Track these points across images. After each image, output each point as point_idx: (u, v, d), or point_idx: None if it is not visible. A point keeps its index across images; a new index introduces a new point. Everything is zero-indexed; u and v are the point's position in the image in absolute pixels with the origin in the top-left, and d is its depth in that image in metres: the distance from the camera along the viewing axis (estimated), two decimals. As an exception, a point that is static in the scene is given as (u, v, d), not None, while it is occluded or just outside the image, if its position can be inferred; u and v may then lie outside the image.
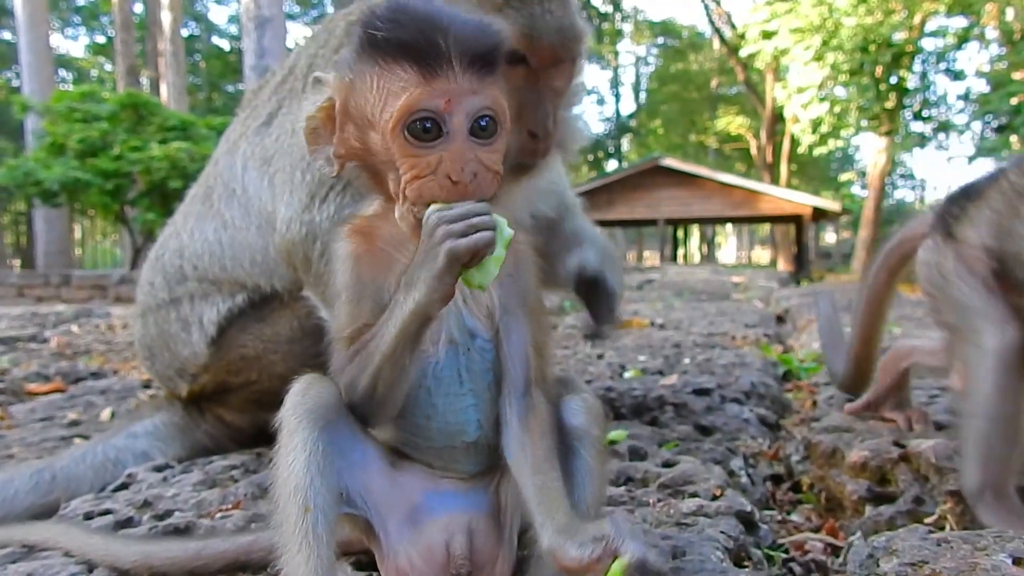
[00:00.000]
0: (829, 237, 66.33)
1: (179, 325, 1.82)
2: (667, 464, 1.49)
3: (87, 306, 8.03)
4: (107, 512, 1.37)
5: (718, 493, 1.33)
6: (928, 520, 1.32)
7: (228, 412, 1.82)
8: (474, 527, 0.94)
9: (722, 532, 1.16)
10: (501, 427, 0.95)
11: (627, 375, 2.58)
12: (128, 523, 1.33)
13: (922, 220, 1.56)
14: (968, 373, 1.31)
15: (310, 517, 0.84)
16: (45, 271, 18.96)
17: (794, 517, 1.54)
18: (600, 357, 2.93)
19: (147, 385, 3.18)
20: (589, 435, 0.96)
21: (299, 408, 0.90)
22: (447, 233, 0.85)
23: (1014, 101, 23.06)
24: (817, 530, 1.45)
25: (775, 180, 36.31)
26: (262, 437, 1.90)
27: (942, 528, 1.31)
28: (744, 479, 1.54)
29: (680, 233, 35.47)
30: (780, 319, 5.18)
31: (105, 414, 2.71)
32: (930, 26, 27.30)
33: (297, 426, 0.88)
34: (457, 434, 0.96)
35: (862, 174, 53.36)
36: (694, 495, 1.33)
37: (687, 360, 2.87)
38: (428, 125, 0.89)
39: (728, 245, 69.74)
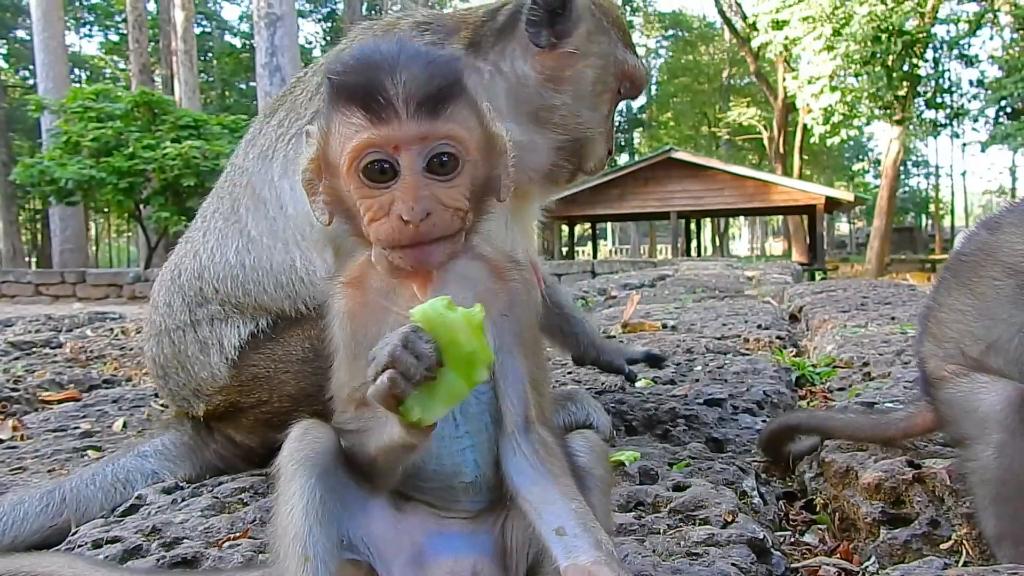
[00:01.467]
0: (843, 227, 65.98)
1: (197, 347, 1.79)
2: (678, 487, 1.48)
3: (101, 309, 8.08)
4: (116, 540, 1.37)
5: (730, 519, 1.32)
6: (944, 545, 1.30)
7: (238, 432, 1.81)
8: (479, 570, 0.93)
9: (733, 564, 1.14)
10: (504, 467, 0.94)
11: (638, 385, 2.56)
12: (136, 552, 1.33)
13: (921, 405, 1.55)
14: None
15: (310, 567, 0.83)
16: (61, 269, 19.15)
17: (807, 538, 1.52)
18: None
19: (158, 394, 3.20)
20: (593, 475, 0.94)
21: (296, 455, 0.89)
22: (374, 373, 0.81)
23: (1029, 86, 22.85)
24: (831, 553, 1.43)
25: (788, 171, 36.11)
26: (272, 457, 1.90)
27: (958, 553, 1.30)
28: (756, 499, 1.52)
29: (693, 226, 35.33)
30: (794, 318, 5.15)
31: (117, 425, 2.72)
32: (943, 12, 27.05)
33: (294, 473, 0.88)
34: (455, 475, 0.95)
35: (876, 163, 53.07)
36: (705, 521, 1.31)
37: (699, 368, 2.85)
38: (382, 167, 0.91)
39: (741, 237, 69.51)
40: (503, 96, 1.84)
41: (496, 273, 0.98)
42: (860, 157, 59.07)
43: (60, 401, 3.23)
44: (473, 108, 0.97)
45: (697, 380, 2.65)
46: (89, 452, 2.40)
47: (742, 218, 52.64)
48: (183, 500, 1.57)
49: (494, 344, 0.92)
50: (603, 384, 2.56)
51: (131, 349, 4.42)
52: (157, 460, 1.79)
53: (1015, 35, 26.66)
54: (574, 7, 1.86)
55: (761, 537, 1.25)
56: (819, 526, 1.56)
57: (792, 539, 1.52)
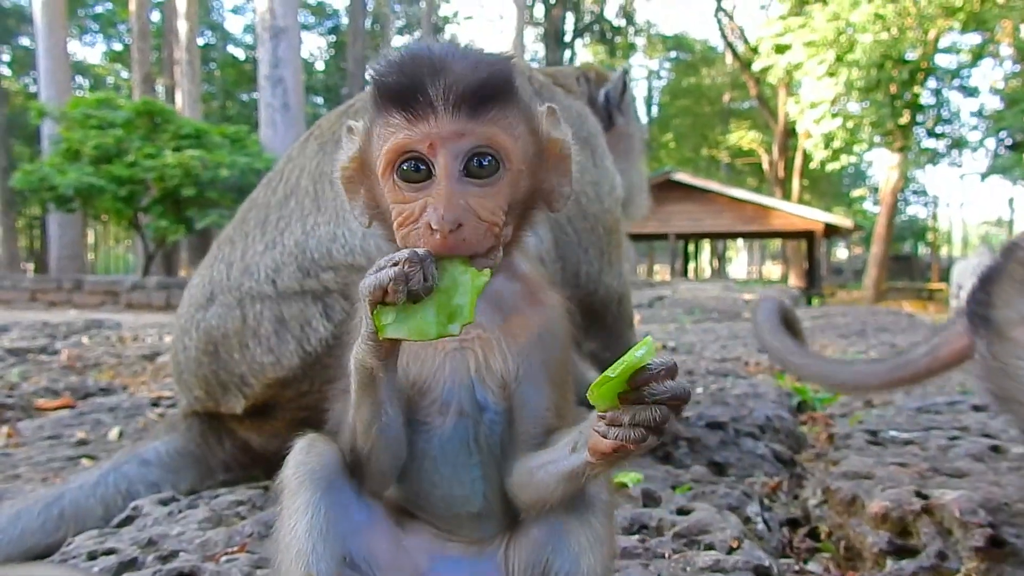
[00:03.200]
0: (841, 253, 66.09)
1: (273, 325, 1.67)
2: (681, 511, 1.46)
3: (98, 316, 8.05)
4: (111, 552, 1.35)
5: (735, 545, 1.30)
6: (952, 578, 1.28)
7: (261, 435, 1.74)
8: None
9: (740, 592, 1.12)
10: (509, 488, 0.92)
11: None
12: (132, 564, 1.31)
13: (953, 332, 1.52)
14: None
15: None
16: (58, 276, 19.08)
17: (812, 567, 1.50)
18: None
19: (156, 403, 3.17)
20: (599, 500, 0.91)
21: (301, 469, 0.87)
22: (380, 267, 0.81)
23: (1029, 118, 22.98)
24: (836, 582, 1.41)
25: (787, 195, 36.23)
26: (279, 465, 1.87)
27: (966, 586, 1.28)
28: (760, 525, 1.50)
29: (691, 247, 35.38)
30: (793, 342, 5.14)
31: (113, 433, 2.69)
32: (944, 43, 27.25)
33: (299, 488, 0.86)
34: (462, 504, 0.93)
35: (874, 190, 53.22)
36: (710, 547, 1.29)
37: (700, 390, 2.83)
38: (416, 166, 0.85)
39: (739, 260, 69.58)
40: None
41: (531, 297, 0.94)
42: (859, 184, 59.27)
43: (55, 408, 3.21)
44: (524, 113, 0.91)
45: (698, 402, 2.63)
46: (83, 460, 2.37)
47: (740, 241, 52.73)
48: (180, 512, 1.55)
49: (519, 370, 0.89)
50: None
51: (127, 357, 4.40)
52: (159, 471, 1.75)
53: (1016, 67, 26.84)
54: (630, 95, 2.40)
55: (767, 564, 1.24)
56: (823, 554, 1.54)
57: (796, 567, 1.50)
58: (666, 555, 1.27)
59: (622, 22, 52.28)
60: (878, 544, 1.39)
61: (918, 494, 1.44)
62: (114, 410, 3.03)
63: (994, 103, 28.73)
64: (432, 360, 0.92)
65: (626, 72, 2.42)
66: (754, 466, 2.03)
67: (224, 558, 1.30)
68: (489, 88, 0.86)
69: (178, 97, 24.91)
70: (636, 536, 1.35)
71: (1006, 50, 27.40)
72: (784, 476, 2.05)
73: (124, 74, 41.16)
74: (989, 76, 31.67)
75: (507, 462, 0.92)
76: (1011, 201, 56.15)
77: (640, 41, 55.08)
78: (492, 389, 0.91)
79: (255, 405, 1.71)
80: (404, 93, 0.85)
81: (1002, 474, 1.61)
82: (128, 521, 1.57)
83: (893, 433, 2.06)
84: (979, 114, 29.97)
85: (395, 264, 0.79)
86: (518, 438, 0.91)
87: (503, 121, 0.87)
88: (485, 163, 0.85)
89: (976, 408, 2.49)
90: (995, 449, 1.83)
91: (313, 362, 1.64)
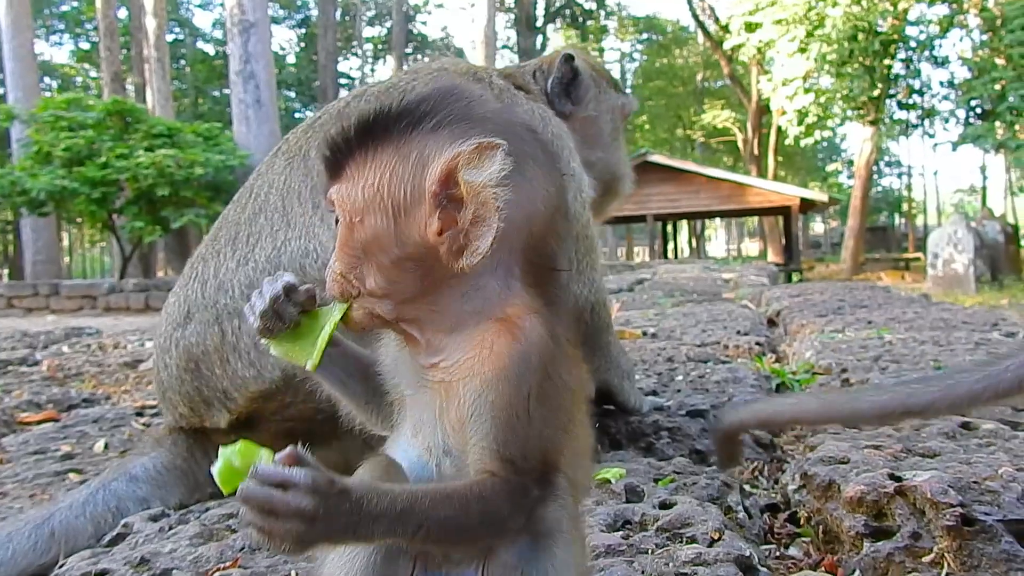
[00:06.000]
0: (818, 227, 66.62)
1: (253, 339, 1.68)
2: (664, 505, 1.49)
3: (77, 322, 7.99)
4: (104, 573, 1.36)
5: (716, 536, 1.33)
6: (926, 558, 1.33)
7: None
8: None
9: (721, 584, 1.16)
10: None
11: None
12: (125, 583, 1.32)
13: None
14: None
15: None
16: (34, 281, 18.87)
17: (792, 551, 1.54)
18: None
19: (140, 413, 3.17)
20: (559, 528, 0.87)
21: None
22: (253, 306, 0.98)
23: (998, 87, 23.21)
24: (816, 566, 1.45)
25: (762, 172, 36.45)
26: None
27: (940, 566, 1.32)
28: (741, 514, 1.54)
29: (669, 228, 35.53)
30: (772, 322, 5.20)
31: (99, 446, 2.69)
32: (913, 15, 27.44)
33: None
34: None
35: (849, 163, 53.68)
36: (692, 540, 1.33)
37: (680, 377, 2.87)
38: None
39: (718, 238, 69.96)
40: None
41: (500, 333, 0.87)
42: (833, 158, 59.70)
43: (39, 422, 3.20)
44: (401, 161, 0.87)
45: (679, 390, 2.68)
46: (71, 475, 2.37)
47: (718, 220, 52.98)
48: (171, 528, 1.56)
49: (473, 411, 0.85)
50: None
51: (109, 366, 4.38)
52: (148, 487, 1.76)
53: (983, 37, 27.08)
54: (581, 78, 2.28)
55: (748, 555, 1.27)
56: (803, 539, 1.58)
57: (777, 553, 1.54)
58: (649, 551, 1.30)
59: (593, 5, 52.13)
60: (855, 527, 1.43)
61: (891, 476, 1.48)
62: (98, 421, 3.02)
63: (963, 73, 29.01)
64: (408, 388, 0.94)
65: (567, 57, 2.27)
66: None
67: (218, 574, 1.32)
68: (345, 146, 0.90)
69: (149, 95, 24.64)
70: (619, 533, 1.39)
71: (973, 20, 27.65)
72: (764, 460, 2.10)
73: (93, 73, 40.60)
74: (958, 46, 31.88)
75: None
76: (983, 168, 56.75)
77: (612, 23, 54.99)
78: (451, 432, 0.88)
79: (240, 419, 1.73)
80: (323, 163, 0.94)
81: (972, 451, 1.66)
82: (119, 539, 1.58)
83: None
84: (950, 84, 30.25)
85: (257, 292, 0.96)
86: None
87: (349, 176, 0.90)
88: (335, 213, 0.91)
89: (949, 384, 2.54)
90: (965, 426, 1.88)
91: (294, 373, 1.66)
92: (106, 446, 2.68)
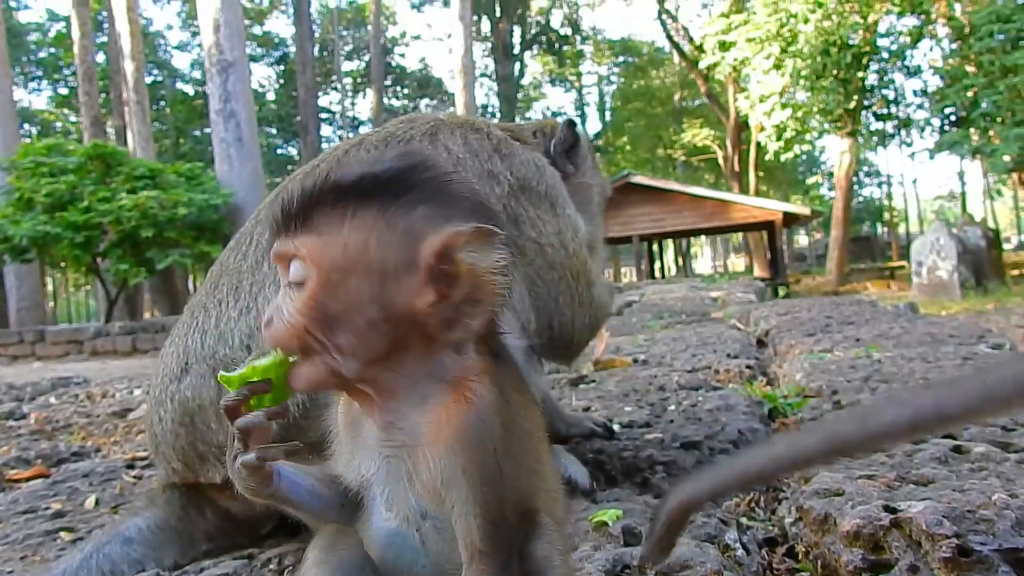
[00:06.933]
0: (802, 239, 67.08)
1: None
2: (662, 547, 1.49)
3: (64, 371, 7.93)
4: (99, 644, 1.34)
5: (715, 578, 1.33)
6: (925, 591, 1.33)
7: (242, 502, 1.75)
8: None
9: (722, 631, 1.15)
10: None
11: (615, 427, 2.58)
12: (122, 654, 1.31)
13: None
14: None
15: None
16: (19, 328, 18.73)
17: (791, 587, 1.54)
18: (587, 410, 2.93)
19: (131, 465, 3.14)
20: (553, 569, 0.89)
21: (323, 569, 0.89)
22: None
23: (970, 94, 23.54)
24: (816, 602, 1.45)
25: (744, 188, 36.75)
26: (263, 528, 1.87)
27: (939, 598, 1.32)
28: (740, 551, 1.54)
29: (655, 247, 35.68)
30: (761, 343, 5.22)
31: (90, 502, 2.66)
32: (883, 27, 27.87)
33: None
34: None
35: (829, 175, 54.15)
36: (691, 583, 1.33)
37: (672, 407, 2.87)
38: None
39: (704, 255, 70.25)
40: None
41: (456, 396, 0.89)
42: (814, 171, 60.26)
43: (28, 479, 3.16)
44: (384, 227, 0.88)
45: (672, 421, 2.68)
46: (62, 534, 2.34)
47: (703, 237, 53.28)
48: (165, 592, 1.55)
49: (444, 475, 0.87)
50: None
51: (98, 416, 4.34)
52: (142, 547, 1.74)
53: (953, 46, 27.51)
54: (581, 145, 2.38)
55: (747, 596, 1.27)
56: (802, 573, 1.58)
57: (777, 589, 1.54)
58: (649, 597, 1.29)
59: (568, 31, 52.68)
60: (853, 562, 1.43)
61: (887, 508, 1.49)
62: (89, 476, 2.99)
63: (936, 82, 29.39)
64: (371, 464, 0.94)
65: (572, 122, 2.38)
66: (730, 483, 2.07)
67: (214, 640, 1.30)
68: (310, 201, 0.90)
69: (129, 137, 24.60)
70: (619, 578, 1.38)
71: (942, 30, 28.10)
72: (760, 491, 2.10)
73: (73, 118, 40.61)
74: (929, 56, 32.35)
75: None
76: (961, 174, 57.43)
77: (588, 48, 55.56)
78: (425, 495, 0.90)
79: None
80: (270, 215, 0.94)
81: (964, 477, 1.67)
82: (114, 604, 1.56)
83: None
84: (923, 93, 30.65)
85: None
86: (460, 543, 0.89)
87: (325, 231, 0.89)
88: (294, 271, 0.90)
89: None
90: (957, 450, 1.89)
91: (290, 426, 1.65)
92: (97, 502, 2.65)
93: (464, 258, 0.87)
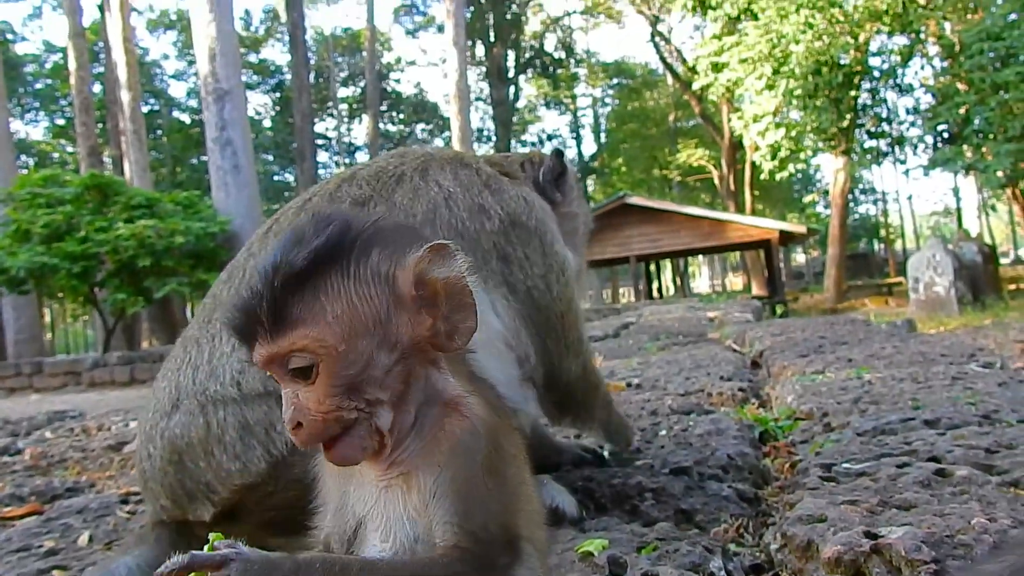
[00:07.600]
0: (799, 257, 67.21)
1: (238, 431, 1.67)
2: (646, 576, 1.50)
3: (61, 404, 7.91)
4: None
5: (697, 608, 1.34)
6: (905, 618, 1.34)
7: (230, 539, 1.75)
8: None
9: (702, 662, 1.16)
10: None
11: (604, 453, 2.60)
12: None
13: None
14: None
15: None
16: (16, 360, 18.68)
17: (776, 615, 1.55)
18: (578, 437, 2.94)
19: (125, 500, 3.14)
20: None
21: None
22: None
23: (962, 111, 23.69)
24: (800, 629, 1.46)
25: (740, 208, 36.89)
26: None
27: (919, 624, 1.33)
28: (725, 580, 1.55)
29: (652, 268, 35.76)
30: (756, 364, 5.24)
31: (83, 539, 2.66)
32: (874, 46, 28.11)
33: None
34: None
35: (825, 193, 54.33)
36: (674, 614, 1.34)
37: (663, 432, 2.89)
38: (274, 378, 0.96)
39: (702, 275, 70.35)
40: None
41: (447, 417, 0.95)
42: (809, 189, 60.46)
43: (22, 516, 3.16)
44: (356, 280, 0.93)
45: (662, 446, 2.69)
46: (55, 572, 2.34)
47: (701, 256, 53.42)
48: (154, 631, 1.55)
49: (433, 491, 0.91)
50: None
51: (93, 451, 4.34)
52: None
53: (944, 64, 27.74)
54: (568, 175, 2.43)
55: (729, 627, 1.28)
56: (787, 601, 1.59)
57: (762, 617, 1.55)
58: (632, 628, 1.31)
59: (562, 54, 53.12)
60: (836, 588, 1.45)
61: (867, 534, 1.50)
62: (83, 512, 2.99)
63: (928, 99, 29.60)
64: (370, 497, 0.96)
65: (559, 152, 2.43)
66: (720, 509, 2.08)
67: None
68: (287, 296, 0.92)
69: (126, 167, 24.72)
70: (603, 609, 1.39)
71: (933, 48, 28.34)
72: (749, 516, 2.11)
73: (70, 148, 40.79)
74: (920, 75, 32.60)
75: None
76: (956, 190, 57.65)
77: (582, 71, 55.98)
78: (416, 517, 0.93)
79: (223, 511, 1.71)
80: (234, 329, 0.96)
81: (946, 501, 1.68)
82: (103, 644, 1.57)
83: (847, 465, 2.13)
84: (915, 111, 30.85)
85: None
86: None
87: (309, 318, 0.91)
88: (296, 364, 0.92)
89: (927, 423, 2.57)
90: (940, 473, 1.90)
91: (279, 463, 1.66)
92: (91, 539, 2.65)
93: (436, 275, 0.94)
